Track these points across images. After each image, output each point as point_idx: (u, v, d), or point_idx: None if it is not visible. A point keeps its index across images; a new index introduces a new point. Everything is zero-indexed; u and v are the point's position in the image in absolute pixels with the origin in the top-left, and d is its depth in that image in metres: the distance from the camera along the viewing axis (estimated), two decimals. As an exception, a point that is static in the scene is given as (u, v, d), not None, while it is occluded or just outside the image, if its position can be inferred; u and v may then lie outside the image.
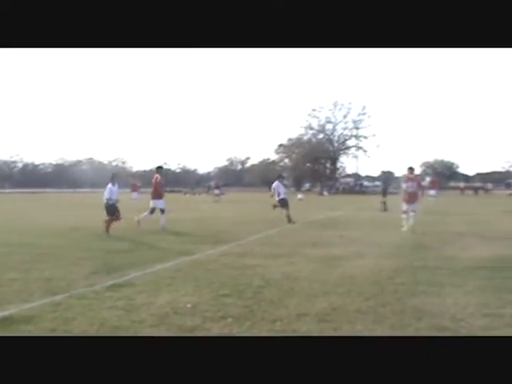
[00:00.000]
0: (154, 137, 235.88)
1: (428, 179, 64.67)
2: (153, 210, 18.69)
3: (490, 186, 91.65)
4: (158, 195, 18.74)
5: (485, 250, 12.34)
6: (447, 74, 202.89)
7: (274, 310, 6.64)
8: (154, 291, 7.79)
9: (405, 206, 18.77)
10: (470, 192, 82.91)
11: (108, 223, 16.76)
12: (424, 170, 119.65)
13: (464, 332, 5.71)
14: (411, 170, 19.31)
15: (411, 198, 18.74)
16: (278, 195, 22.41)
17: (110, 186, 17.54)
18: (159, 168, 19.68)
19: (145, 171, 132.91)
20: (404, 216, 18.76)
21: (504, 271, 9.45)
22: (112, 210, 17.13)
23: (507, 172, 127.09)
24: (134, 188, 43.98)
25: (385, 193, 33.27)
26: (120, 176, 20.39)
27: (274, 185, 22.99)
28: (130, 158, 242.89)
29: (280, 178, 24.54)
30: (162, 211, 18.48)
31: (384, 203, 31.22)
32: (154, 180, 18.88)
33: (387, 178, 41.01)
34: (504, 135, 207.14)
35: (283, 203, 22.17)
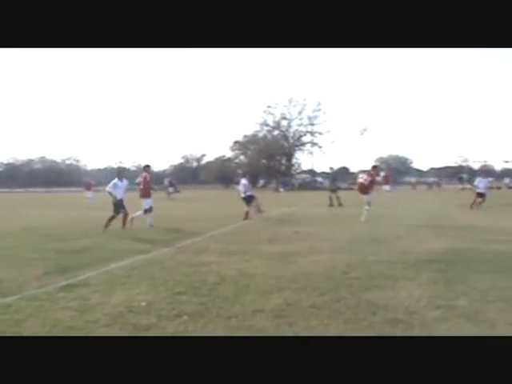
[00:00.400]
0: (108, 135, 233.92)
1: (382, 174, 65.50)
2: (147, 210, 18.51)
3: (440, 181, 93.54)
4: (146, 194, 18.55)
5: (438, 244, 12.51)
6: (401, 70, 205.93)
7: (229, 307, 6.62)
8: (108, 290, 7.69)
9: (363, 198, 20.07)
10: (424, 187, 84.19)
11: (110, 220, 16.78)
12: (375, 164, 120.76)
13: (417, 324, 5.79)
14: (375, 168, 20.62)
15: (362, 190, 20.12)
16: (245, 192, 22.54)
17: (115, 181, 17.37)
18: (147, 167, 19.42)
19: (99, 170, 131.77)
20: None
21: (456, 264, 9.60)
22: (118, 207, 17.04)
23: (460, 167, 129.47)
24: (89, 187, 42.94)
25: (333, 189, 33.62)
26: (125, 173, 20.17)
27: (243, 181, 23.05)
28: (84, 157, 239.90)
29: (246, 175, 24.87)
30: (146, 211, 18.33)
31: (332, 198, 31.76)
32: (141, 179, 18.62)
33: (335, 173, 41.53)
34: (457, 131, 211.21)
35: (249, 200, 22.27)
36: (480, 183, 28.35)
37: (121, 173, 18.28)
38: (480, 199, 27.48)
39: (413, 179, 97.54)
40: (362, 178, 20.28)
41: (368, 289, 7.61)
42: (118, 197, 17.09)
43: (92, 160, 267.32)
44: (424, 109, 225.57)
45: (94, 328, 5.79)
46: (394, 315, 6.15)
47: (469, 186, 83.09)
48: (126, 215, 17.17)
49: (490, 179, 31.07)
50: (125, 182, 17.76)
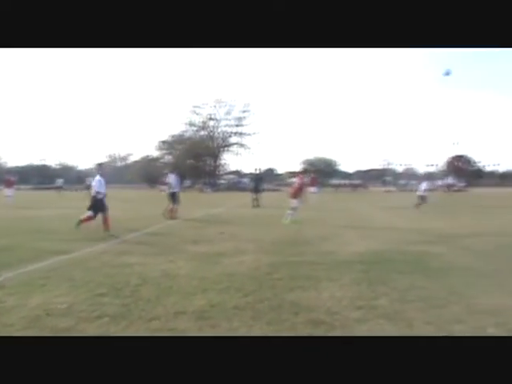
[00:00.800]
0: (31, 132, 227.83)
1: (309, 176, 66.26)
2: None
3: (365, 183, 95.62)
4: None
5: (362, 245, 12.74)
6: (329, 72, 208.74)
7: (152, 309, 6.52)
8: (26, 293, 7.44)
9: (291, 202, 20.24)
10: (349, 189, 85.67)
11: (90, 220, 15.89)
12: (305, 168, 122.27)
13: (338, 325, 5.85)
14: (303, 171, 21.33)
15: (294, 194, 20.36)
16: (172, 188, 22.39)
17: (98, 177, 16.24)
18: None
19: (22, 167, 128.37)
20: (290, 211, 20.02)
21: (378, 265, 9.79)
22: (99, 206, 15.91)
23: (384, 170, 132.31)
24: (8, 184, 40.17)
25: (256, 190, 33.98)
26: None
27: (172, 176, 22.86)
28: (4, 154, 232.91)
29: (175, 171, 24.62)
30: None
31: (256, 200, 32.12)
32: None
33: (262, 175, 42.19)
34: (382, 134, 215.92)
35: (174, 197, 22.15)
36: (422, 186, 30.37)
37: (101, 167, 17.54)
38: (421, 201, 29.05)
39: (336, 181, 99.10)
40: (294, 184, 21.11)
41: (291, 290, 7.65)
42: (101, 195, 16.02)
43: (13, 157, 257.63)
44: (351, 112, 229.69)
45: (11, 332, 5.60)
46: (316, 316, 6.20)
47: (393, 188, 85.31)
48: (93, 218, 16.05)
49: (431, 182, 32.55)
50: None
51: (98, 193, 15.99)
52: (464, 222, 20.59)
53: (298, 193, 20.42)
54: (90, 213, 16.02)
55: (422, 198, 29.78)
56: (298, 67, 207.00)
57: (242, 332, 5.65)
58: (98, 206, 15.96)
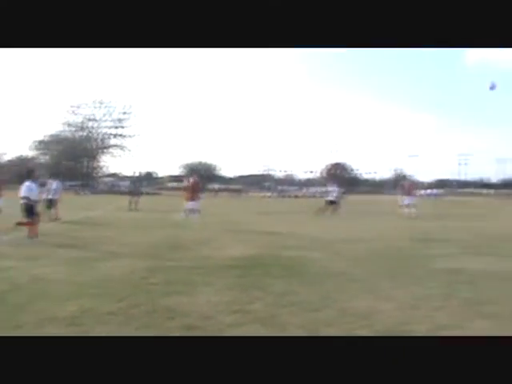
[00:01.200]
0: None
1: (186, 181, 66.40)
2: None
3: (244, 188, 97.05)
4: None
5: (239, 250, 12.83)
6: (209, 76, 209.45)
7: (19, 315, 6.24)
8: None
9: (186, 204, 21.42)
10: (228, 194, 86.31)
11: (28, 225, 14.73)
12: (185, 172, 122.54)
13: (212, 330, 5.83)
14: (192, 176, 22.02)
15: (190, 196, 21.59)
16: (52, 194, 21.94)
17: (27, 183, 15.12)
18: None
19: None
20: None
21: (253, 269, 9.89)
22: (32, 212, 14.87)
23: (264, 175, 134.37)
24: None
25: (134, 193, 34.02)
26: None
27: (54, 184, 22.26)
28: None
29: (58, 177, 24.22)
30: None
31: (132, 203, 32.18)
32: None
33: (140, 178, 42.27)
34: (262, 140, 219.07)
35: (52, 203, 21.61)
36: (333, 192, 30.87)
37: (31, 173, 16.47)
38: (332, 206, 29.78)
39: (215, 185, 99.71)
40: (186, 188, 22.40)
41: (167, 294, 7.57)
42: (32, 201, 15.04)
43: None
44: (232, 116, 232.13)
45: None
46: (191, 321, 6.15)
47: (270, 193, 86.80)
48: (32, 223, 15.03)
49: (341, 189, 33.54)
50: (36, 183, 15.84)
51: (27, 199, 15.07)
52: (340, 227, 21.19)
53: (192, 195, 21.00)
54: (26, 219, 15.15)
55: (332, 203, 30.35)
56: (178, 69, 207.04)
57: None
58: (29, 211, 15.08)
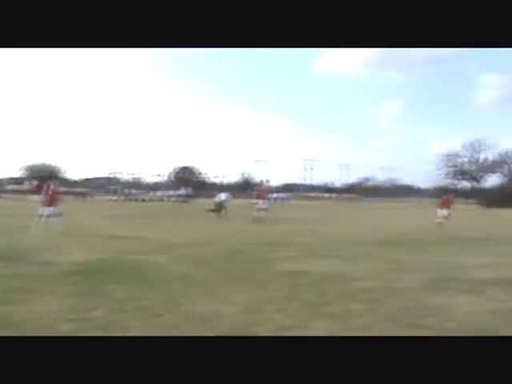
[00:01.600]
0: None
1: (28, 183, 63.99)
2: None
3: (90, 191, 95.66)
4: None
5: (82, 255, 12.57)
6: (54, 75, 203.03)
7: None
8: None
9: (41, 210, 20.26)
10: (73, 197, 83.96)
11: None
12: (26, 174, 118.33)
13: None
14: (51, 180, 21.97)
15: (48, 201, 20.58)
16: None
17: None
18: None
19: None
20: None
21: (96, 275, 9.74)
22: None
23: (110, 178, 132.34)
24: None
25: None
26: None
27: None
28: None
29: None
30: None
31: None
32: None
33: None
34: (108, 142, 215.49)
35: None
36: (222, 197, 33.24)
37: None
38: (223, 211, 32.02)
39: (62, 189, 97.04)
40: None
41: (3, 303, 7.24)
42: None
43: None
44: (77, 116, 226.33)
45: None
46: (26, 330, 5.92)
47: (116, 197, 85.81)
48: None
49: (229, 194, 34.55)
50: None
51: None
52: (186, 231, 21.30)
53: (51, 201, 20.52)
54: None
55: (220, 205, 32.30)
56: (27, 67, 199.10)
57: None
58: None
